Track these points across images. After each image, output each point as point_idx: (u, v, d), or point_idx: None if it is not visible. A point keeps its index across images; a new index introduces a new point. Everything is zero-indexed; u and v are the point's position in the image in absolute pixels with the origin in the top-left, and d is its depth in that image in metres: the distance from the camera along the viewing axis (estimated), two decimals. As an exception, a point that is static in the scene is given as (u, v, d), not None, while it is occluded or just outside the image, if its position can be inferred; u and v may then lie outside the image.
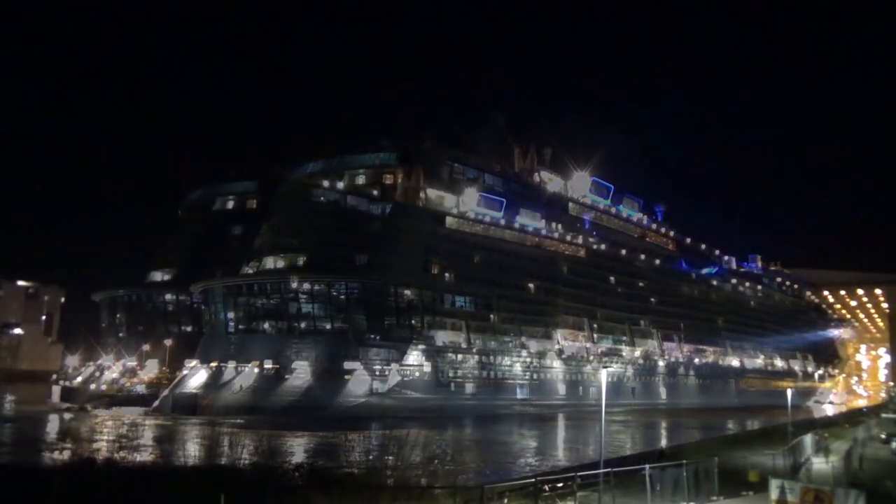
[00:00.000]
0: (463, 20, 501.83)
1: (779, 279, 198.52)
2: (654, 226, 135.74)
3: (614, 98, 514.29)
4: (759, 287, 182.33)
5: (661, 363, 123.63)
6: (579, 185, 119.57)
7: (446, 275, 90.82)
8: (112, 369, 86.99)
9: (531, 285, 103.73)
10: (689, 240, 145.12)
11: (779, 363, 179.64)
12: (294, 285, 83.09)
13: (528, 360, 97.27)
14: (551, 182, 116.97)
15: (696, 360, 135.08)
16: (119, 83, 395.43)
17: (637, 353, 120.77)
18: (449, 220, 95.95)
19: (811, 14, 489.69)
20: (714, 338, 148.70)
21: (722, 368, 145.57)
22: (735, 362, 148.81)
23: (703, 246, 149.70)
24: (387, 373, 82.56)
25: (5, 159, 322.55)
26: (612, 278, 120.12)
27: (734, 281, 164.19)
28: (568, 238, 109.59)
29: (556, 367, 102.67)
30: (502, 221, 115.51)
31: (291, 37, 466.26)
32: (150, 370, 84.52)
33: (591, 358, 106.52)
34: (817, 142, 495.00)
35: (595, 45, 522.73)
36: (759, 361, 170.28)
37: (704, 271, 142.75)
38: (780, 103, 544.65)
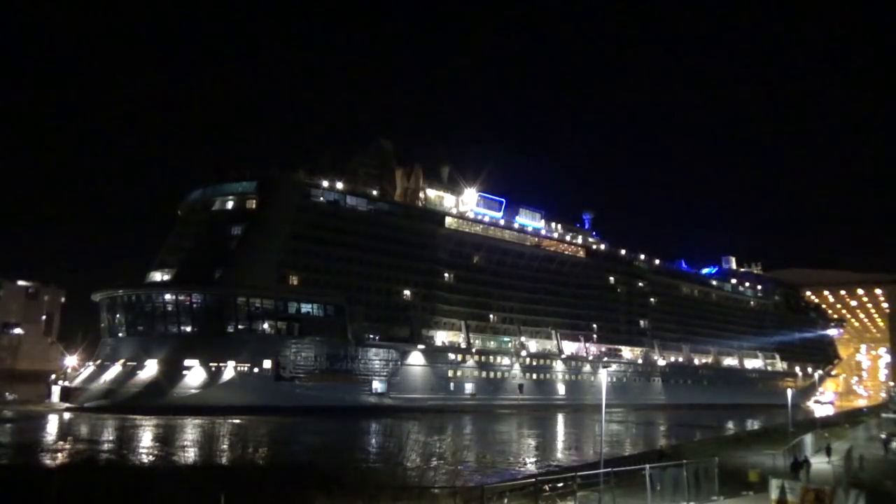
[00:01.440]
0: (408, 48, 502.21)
1: (747, 282, 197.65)
2: (556, 235, 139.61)
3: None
4: (708, 288, 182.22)
5: (559, 362, 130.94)
6: (470, 200, 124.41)
7: (291, 279, 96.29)
8: (111, 369, 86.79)
9: (406, 292, 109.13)
10: (604, 246, 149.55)
11: (730, 361, 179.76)
12: (167, 297, 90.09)
13: (387, 360, 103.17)
14: (442, 199, 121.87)
15: (605, 359, 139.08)
16: (119, 82, 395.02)
17: (532, 349, 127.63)
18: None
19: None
20: (639, 337, 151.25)
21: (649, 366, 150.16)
22: (661, 361, 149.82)
23: (624, 251, 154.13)
24: (223, 370, 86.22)
25: (6, 159, 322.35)
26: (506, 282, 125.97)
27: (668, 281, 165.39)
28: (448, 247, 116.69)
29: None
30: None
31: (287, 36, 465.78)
32: (150, 370, 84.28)
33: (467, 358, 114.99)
34: (817, 140, 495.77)
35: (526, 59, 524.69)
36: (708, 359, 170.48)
37: (613, 278, 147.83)
38: (776, 100, 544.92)
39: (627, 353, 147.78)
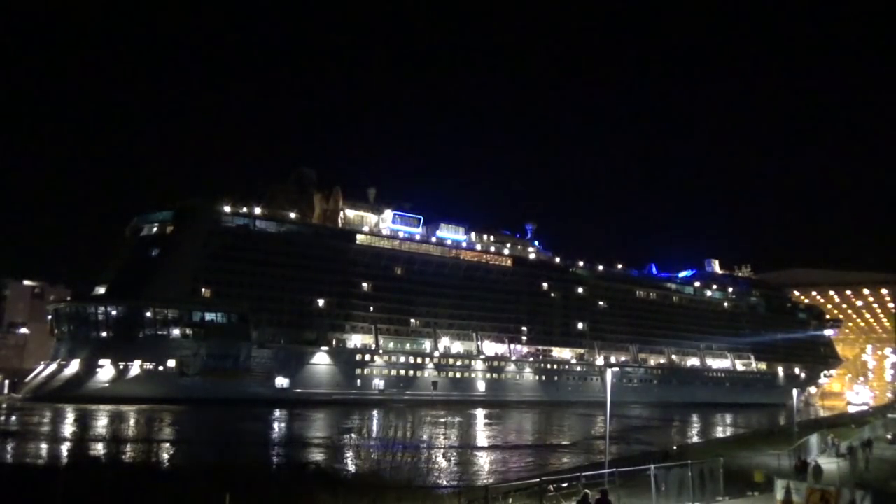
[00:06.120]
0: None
1: (715, 284, 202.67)
2: (479, 247, 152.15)
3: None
4: (666, 291, 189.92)
5: (478, 362, 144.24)
6: (389, 218, 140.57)
7: (204, 292, 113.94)
8: (49, 367, 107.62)
9: (321, 301, 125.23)
10: (536, 255, 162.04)
11: (693, 361, 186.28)
12: (93, 308, 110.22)
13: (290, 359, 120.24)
14: (362, 218, 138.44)
15: (531, 359, 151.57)
16: (125, 88, 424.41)
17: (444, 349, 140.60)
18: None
19: None
20: (577, 339, 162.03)
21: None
22: (600, 361, 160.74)
23: (558, 259, 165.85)
24: (129, 368, 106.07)
25: (14, 158, 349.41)
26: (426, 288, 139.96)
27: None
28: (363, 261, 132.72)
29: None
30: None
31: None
32: (73, 368, 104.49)
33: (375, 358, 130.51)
34: (819, 141, 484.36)
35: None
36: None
37: (546, 284, 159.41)
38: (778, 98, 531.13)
39: (562, 353, 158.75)
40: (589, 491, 25.14)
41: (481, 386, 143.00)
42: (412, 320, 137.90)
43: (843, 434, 60.06)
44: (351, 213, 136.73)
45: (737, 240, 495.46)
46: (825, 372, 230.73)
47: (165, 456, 51.81)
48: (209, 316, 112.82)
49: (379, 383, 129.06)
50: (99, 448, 55.82)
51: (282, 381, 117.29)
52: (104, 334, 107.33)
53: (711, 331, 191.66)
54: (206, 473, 30.67)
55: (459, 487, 29.82)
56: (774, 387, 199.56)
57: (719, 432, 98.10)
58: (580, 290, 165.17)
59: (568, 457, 60.66)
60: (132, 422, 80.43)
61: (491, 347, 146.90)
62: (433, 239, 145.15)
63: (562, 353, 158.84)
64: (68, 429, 76.07)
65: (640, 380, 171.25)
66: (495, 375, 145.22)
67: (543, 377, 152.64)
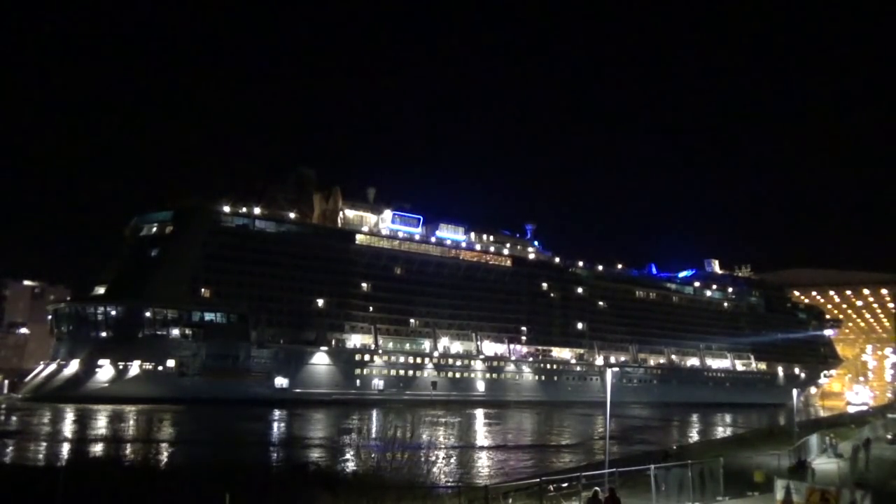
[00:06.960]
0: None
1: (714, 284, 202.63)
2: (479, 247, 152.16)
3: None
4: (666, 291, 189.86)
5: (478, 362, 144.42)
6: (388, 218, 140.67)
7: (203, 292, 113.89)
8: (49, 367, 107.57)
9: (320, 301, 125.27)
10: (535, 255, 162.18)
11: (693, 361, 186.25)
12: (93, 308, 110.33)
13: (289, 359, 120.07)
14: (362, 218, 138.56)
15: (531, 359, 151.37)
16: (128, 87, 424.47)
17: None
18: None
19: None
20: (577, 339, 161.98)
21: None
22: (599, 361, 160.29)
23: (558, 259, 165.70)
24: (129, 368, 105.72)
25: (14, 158, 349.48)
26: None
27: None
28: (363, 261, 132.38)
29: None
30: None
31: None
32: (73, 368, 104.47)
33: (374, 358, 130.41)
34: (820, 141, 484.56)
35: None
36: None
37: (546, 284, 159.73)
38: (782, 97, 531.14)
39: (562, 353, 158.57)
40: (598, 489, 25.38)
41: (481, 386, 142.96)
42: (411, 320, 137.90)
43: (842, 434, 59.64)
44: (350, 213, 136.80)
45: (737, 240, 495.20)
46: (825, 372, 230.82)
47: (165, 456, 51.92)
48: (209, 316, 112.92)
49: (378, 383, 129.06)
50: (99, 448, 56.23)
51: (281, 381, 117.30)
52: (104, 334, 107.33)
53: (711, 331, 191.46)
54: (206, 473, 30.55)
55: (459, 487, 29.67)
56: (774, 387, 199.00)
57: (719, 432, 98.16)
58: (580, 290, 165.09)
59: (568, 457, 60.58)
60: (132, 422, 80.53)
61: (490, 347, 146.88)
62: (433, 239, 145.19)
63: (561, 353, 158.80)
64: (68, 429, 76.28)
65: (639, 380, 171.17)
66: (495, 375, 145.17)
67: (543, 377, 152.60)
